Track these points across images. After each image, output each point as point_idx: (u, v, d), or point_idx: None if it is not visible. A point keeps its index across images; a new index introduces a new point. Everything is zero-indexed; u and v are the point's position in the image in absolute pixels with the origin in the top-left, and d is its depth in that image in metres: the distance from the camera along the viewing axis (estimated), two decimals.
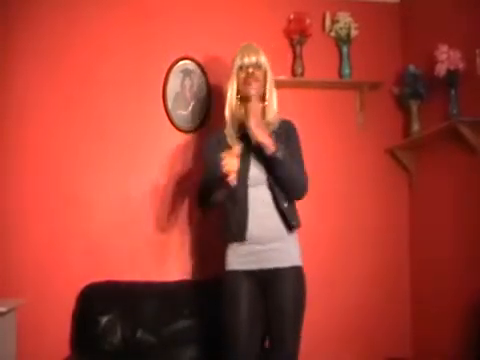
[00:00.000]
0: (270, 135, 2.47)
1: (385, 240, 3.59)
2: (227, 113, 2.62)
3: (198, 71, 3.45)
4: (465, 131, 2.91)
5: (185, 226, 3.37)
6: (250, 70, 2.55)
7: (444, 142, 3.20)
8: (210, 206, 2.57)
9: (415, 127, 3.40)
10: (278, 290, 2.47)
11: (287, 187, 2.51)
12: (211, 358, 3.02)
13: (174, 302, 3.12)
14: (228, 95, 2.62)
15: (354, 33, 3.54)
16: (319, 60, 3.57)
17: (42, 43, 3.30)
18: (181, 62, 3.44)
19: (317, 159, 3.55)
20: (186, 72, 3.45)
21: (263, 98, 2.60)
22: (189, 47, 3.44)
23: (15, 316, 2.99)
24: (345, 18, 3.54)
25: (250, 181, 2.50)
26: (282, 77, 3.47)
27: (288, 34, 3.55)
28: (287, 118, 2.70)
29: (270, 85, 2.61)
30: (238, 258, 2.52)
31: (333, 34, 3.57)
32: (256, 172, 2.51)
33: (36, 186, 3.23)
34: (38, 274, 3.15)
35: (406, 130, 3.55)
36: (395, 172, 3.64)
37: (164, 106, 3.41)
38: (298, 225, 2.58)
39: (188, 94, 3.46)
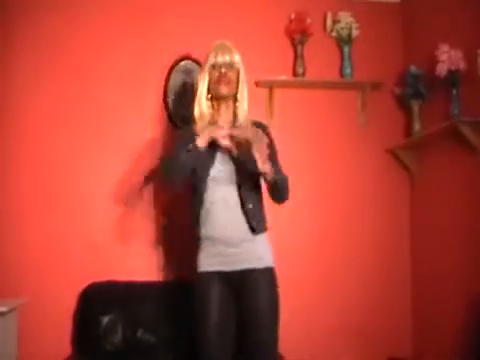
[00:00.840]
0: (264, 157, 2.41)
1: (386, 240, 3.59)
2: (196, 111, 2.58)
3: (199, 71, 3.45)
4: (466, 131, 2.91)
5: (186, 226, 3.36)
6: (223, 70, 2.51)
7: (445, 142, 3.20)
8: (174, 179, 2.48)
9: (416, 127, 3.39)
10: (251, 293, 2.43)
11: (278, 197, 2.52)
12: None
13: (175, 302, 3.12)
14: (198, 93, 2.57)
15: (355, 33, 3.53)
16: (320, 60, 3.57)
17: (42, 42, 3.30)
18: (182, 62, 3.43)
19: (318, 159, 3.55)
20: (187, 72, 3.44)
21: (235, 98, 2.57)
22: (190, 47, 3.44)
23: (16, 316, 2.99)
24: (346, 18, 3.53)
25: (214, 178, 2.46)
26: (283, 77, 3.48)
27: (289, 34, 3.54)
28: (257, 119, 2.65)
29: (242, 85, 2.58)
30: (208, 259, 2.49)
31: (334, 34, 3.57)
32: (220, 169, 2.47)
33: (35, 185, 3.23)
34: (39, 274, 3.16)
35: (407, 130, 3.55)
36: (396, 172, 3.64)
37: (165, 106, 3.41)
38: (262, 229, 2.51)
39: (189, 94, 3.45)
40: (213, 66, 2.54)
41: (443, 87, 3.06)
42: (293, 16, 3.51)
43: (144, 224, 3.32)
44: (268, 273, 2.49)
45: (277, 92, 3.49)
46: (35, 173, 3.24)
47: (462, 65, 2.92)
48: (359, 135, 3.61)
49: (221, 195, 2.47)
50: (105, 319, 3.01)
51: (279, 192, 2.51)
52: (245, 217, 2.46)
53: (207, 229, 2.49)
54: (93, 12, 3.37)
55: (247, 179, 2.48)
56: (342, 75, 3.59)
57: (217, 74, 2.52)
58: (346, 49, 3.57)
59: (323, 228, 3.51)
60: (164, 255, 3.32)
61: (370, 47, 3.64)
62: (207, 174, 2.47)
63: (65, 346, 3.13)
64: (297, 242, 3.44)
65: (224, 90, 2.52)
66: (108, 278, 3.16)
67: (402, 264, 3.59)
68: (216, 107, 2.59)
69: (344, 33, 3.53)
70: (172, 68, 3.42)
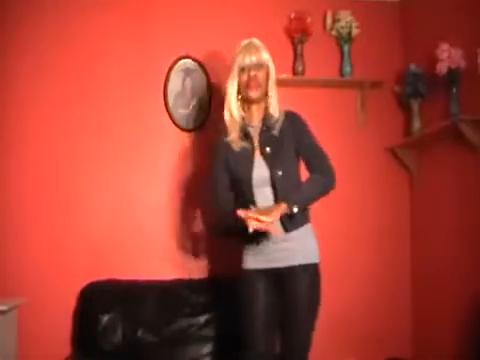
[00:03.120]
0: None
1: (386, 239, 3.59)
2: (227, 116, 2.58)
3: (199, 70, 3.45)
4: (466, 130, 2.90)
5: (186, 225, 3.36)
6: (252, 73, 2.50)
7: (445, 141, 3.20)
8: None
9: (416, 126, 3.39)
10: (291, 289, 2.46)
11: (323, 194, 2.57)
12: (212, 357, 3.03)
13: (175, 301, 3.12)
14: (227, 96, 2.57)
15: (355, 32, 3.53)
16: (320, 59, 3.57)
17: (42, 43, 3.29)
18: (182, 61, 3.43)
19: None
20: (187, 71, 3.44)
21: (266, 97, 2.58)
22: (190, 46, 3.44)
23: (16, 315, 2.99)
24: (346, 17, 3.53)
25: (254, 182, 2.48)
26: (283, 76, 3.47)
27: (289, 33, 3.54)
28: (289, 109, 2.65)
29: (272, 82, 2.58)
30: (251, 257, 2.53)
31: (334, 33, 3.56)
32: (259, 173, 2.49)
33: (36, 185, 3.23)
34: (39, 273, 3.15)
35: (407, 129, 3.54)
36: (396, 171, 3.64)
37: (165, 105, 3.41)
38: (296, 226, 2.51)
39: (189, 93, 3.45)
40: (242, 68, 2.52)
41: (443, 86, 3.06)
42: (293, 15, 3.51)
43: (144, 224, 3.32)
44: (311, 270, 2.51)
45: (277, 91, 3.49)
46: (35, 173, 3.24)
47: (462, 64, 2.92)
48: (359, 134, 3.61)
49: (260, 195, 2.48)
50: (105, 318, 3.01)
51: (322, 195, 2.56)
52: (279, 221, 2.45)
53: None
54: (93, 13, 3.36)
55: (282, 180, 2.48)
56: (342, 74, 3.59)
57: (246, 77, 2.52)
58: (346, 48, 3.56)
59: (322, 227, 3.49)
60: (165, 255, 3.31)
61: (370, 46, 3.63)
62: (250, 178, 2.48)
63: (65, 345, 3.13)
64: None
65: (254, 94, 2.53)
66: (108, 277, 3.16)
67: (402, 263, 3.59)
68: (247, 108, 2.59)
69: (344, 32, 3.53)
70: (172, 67, 3.42)
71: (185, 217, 3.37)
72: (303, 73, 3.52)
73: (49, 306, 3.12)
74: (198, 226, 3.37)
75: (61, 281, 3.16)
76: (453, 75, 2.95)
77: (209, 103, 3.44)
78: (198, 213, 3.36)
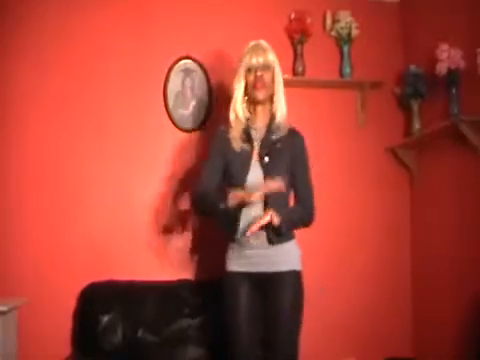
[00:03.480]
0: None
1: (386, 239, 3.59)
2: (232, 116, 2.60)
3: (199, 70, 3.45)
4: (466, 130, 2.91)
5: (186, 225, 3.36)
6: (258, 73, 2.51)
7: (445, 141, 3.20)
8: (203, 215, 2.66)
9: (416, 126, 3.39)
10: (275, 295, 2.46)
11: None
12: (212, 358, 3.03)
13: (175, 302, 3.12)
14: (234, 96, 2.58)
15: (355, 32, 3.53)
16: (320, 59, 3.57)
17: (42, 44, 3.29)
18: (182, 61, 3.43)
19: (318, 158, 3.52)
20: (187, 71, 3.44)
21: (271, 99, 2.58)
22: (190, 46, 3.44)
23: (16, 315, 2.99)
24: (346, 17, 3.53)
25: (247, 184, 2.48)
26: (283, 76, 3.46)
27: (289, 33, 3.54)
28: (295, 127, 2.67)
29: (278, 84, 2.58)
30: (236, 259, 2.54)
31: (334, 33, 3.57)
32: (253, 178, 2.49)
33: (36, 185, 3.23)
34: (39, 273, 3.15)
35: (407, 129, 3.55)
36: (396, 171, 3.64)
37: (165, 105, 3.41)
38: (281, 240, 2.51)
39: (189, 93, 3.45)
40: (248, 69, 2.54)
41: (443, 86, 3.06)
42: (293, 16, 3.52)
43: (144, 224, 3.32)
44: (294, 277, 2.51)
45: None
46: (36, 173, 3.24)
47: (462, 64, 2.92)
48: (359, 134, 3.62)
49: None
50: (105, 319, 3.01)
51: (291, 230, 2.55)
52: (265, 228, 2.46)
53: (233, 230, 2.51)
54: (93, 11, 3.36)
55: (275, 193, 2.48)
56: (342, 74, 3.59)
57: (252, 78, 2.52)
58: (346, 48, 3.57)
59: (322, 227, 3.50)
60: (164, 255, 3.32)
61: (370, 46, 3.64)
62: (244, 180, 2.49)
63: (65, 345, 3.12)
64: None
65: (261, 95, 2.54)
66: (108, 278, 3.16)
67: (402, 263, 3.59)
68: (252, 110, 2.60)
69: (344, 32, 3.53)
70: (172, 68, 3.42)
71: (185, 218, 3.37)
72: (303, 74, 3.52)
73: (49, 306, 3.12)
74: (199, 227, 3.37)
75: (61, 281, 3.16)
76: (453, 75, 2.95)
77: (209, 103, 3.45)
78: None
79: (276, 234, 2.46)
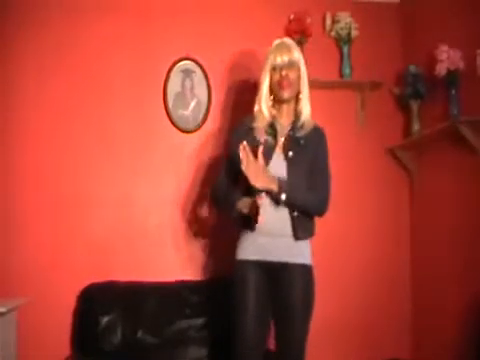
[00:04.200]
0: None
1: (386, 240, 3.59)
2: (256, 108, 2.59)
3: (198, 71, 3.45)
4: (465, 131, 2.91)
5: (186, 225, 3.37)
6: (283, 73, 2.52)
7: (444, 142, 3.20)
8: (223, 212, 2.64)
9: (415, 127, 3.40)
10: (286, 287, 2.47)
11: (302, 213, 2.53)
12: (212, 358, 3.03)
13: (175, 302, 3.12)
14: (259, 93, 2.58)
15: (354, 33, 3.53)
16: (320, 60, 3.56)
17: (43, 44, 3.29)
18: (181, 62, 3.43)
19: None
20: (186, 72, 3.45)
21: (297, 97, 2.59)
22: (190, 47, 3.44)
23: (16, 316, 2.99)
24: (345, 18, 3.53)
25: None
26: None
27: (288, 34, 3.53)
28: (319, 125, 2.68)
29: (304, 83, 2.59)
30: (247, 248, 2.52)
31: (334, 34, 3.57)
32: (274, 170, 2.47)
33: (37, 186, 3.23)
34: (39, 274, 3.15)
35: (406, 130, 3.55)
36: (396, 172, 3.64)
37: (165, 106, 3.41)
38: (306, 237, 2.54)
39: (188, 94, 3.45)
40: (273, 68, 2.54)
41: (442, 87, 3.06)
42: (292, 16, 3.51)
43: (144, 225, 3.32)
44: (306, 271, 2.52)
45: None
46: (36, 173, 3.24)
47: (461, 65, 2.92)
48: (358, 135, 3.62)
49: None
50: (105, 319, 3.01)
51: (300, 210, 2.52)
52: (291, 224, 2.48)
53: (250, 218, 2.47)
54: (94, 15, 3.36)
55: (297, 183, 2.49)
56: (341, 75, 3.60)
57: (278, 77, 2.53)
58: (345, 49, 3.57)
59: (322, 227, 3.50)
60: (164, 255, 3.32)
61: (369, 47, 3.64)
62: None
63: (65, 346, 3.13)
64: None
65: (286, 94, 2.54)
66: (108, 278, 3.16)
67: (402, 264, 3.59)
68: (278, 108, 2.60)
69: (343, 33, 3.53)
70: (171, 69, 3.42)
71: (185, 218, 3.37)
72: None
73: (49, 307, 3.12)
74: (198, 226, 3.37)
75: (61, 282, 3.16)
76: (452, 76, 2.95)
77: (208, 104, 3.45)
78: (198, 214, 3.36)
79: (303, 222, 2.48)
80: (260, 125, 2.56)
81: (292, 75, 2.54)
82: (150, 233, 3.32)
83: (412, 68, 3.36)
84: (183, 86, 3.45)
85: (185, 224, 3.37)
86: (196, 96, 3.45)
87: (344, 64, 3.57)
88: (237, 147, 2.40)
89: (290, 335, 2.46)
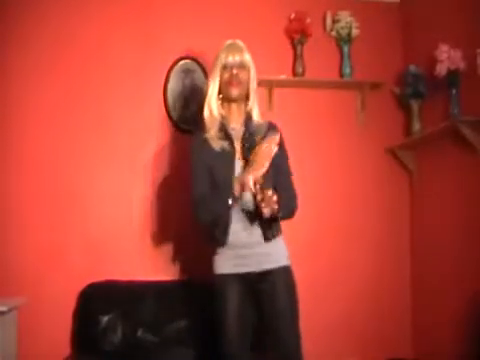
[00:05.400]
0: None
1: (386, 240, 3.59)
2: (206, 113, 2.56)
3: (199, 70, 3.45)
4: (466, 131, 2.91)
5: (185, 225, 3.36)
6: (234, 71, 2.49)
7: (445, 142, 3.20)
8: (207, 222, 2.52)
9: (416, 127, 3.39)
10: (270, 292, 2.45)
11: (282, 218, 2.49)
12: (211, 357, 3.03)
13: (174, 301, 3.12)
14: (208, 93, 2.56)
15: (355, 32, 3.53)
16: (320, 60, 3.57)
17: (41, 43, 3.29)
18: (182, 62, 3.43)
19: (318, 159, 3.55)
20: (187, 71, 3.45)
21: (246, 98, 2.56)
22: (190, 46, 3.44)
23: (15, 315, 2.99)
24: (346, 17, 3.53)
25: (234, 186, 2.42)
26: (283, 77, 3.48)
27: (289, 33, 3.54)
28: (267, 119, 2.62)
29: (253, 85, 2.56)
30: (225, 261, 2.49)
31: (334, 34, 3.57)
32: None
33: (36, 186, 3.23)
34: (38, 274, 3.15)
35: (407, 130, 3.55)
36: (396, 172, 3.64)
37: (165, 105, 3.41)
38: (276, 235, 2.51)
39: (189, 93, 3.45)
40: (224, 66, 2.52)
41: (443, 87, 3.06)
42: (293, 16, 3.51)
43: (144, 224, 3.32)
44: (285, 273, 2.50)
45: (277, 91, 3.49)
46: (35, 173, 3.24)
47: (461, 65, 2.92)
48: (359, 135, 3.62)
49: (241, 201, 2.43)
50: (105, 319, 3.01)
51: (285, 218, 2.50)
52: (261, 229, 2.46)
53: (222, 234, 2.46)
54: (93, 13, 3.36)
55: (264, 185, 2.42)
56: (342, 75, 3.59)
57: (228, 75, 2.51)
58: (346, 49, 3.57)
59: (322, 227, 3.51)
60: (164, 255, 3.32)
61: (370, 47, 3.64)
62: (230, 181, 2.40)
63: (64, 346, 3.13)
64: (296, 242, 3.42)
65: (235, 92, 2.51)
66: (108, 278, 3.16)
67: (402, 264, 3.59)
68: (227, 108, 2.57)
69: (344, 33, 3.53)
70: (172, 68, 3.42)
71: (185, 218, 3.37)
72: (303, 74, 3.52)
73: (49, 306, 3.12)
74: (198, 227, 3.36)
75: (61, 282, 3.16)
76: (452, 76, 2.95)
77: None
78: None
79: (270, 225, 2.44)
80: (213, 133, 2.51)
81: (242, 75, 2.51)
82: (150, 233, 3.32)
83: (412, 68, 3.35)
84: (183, 85, 3.44)
85: (185, 223, 3.36)
86: (196, 95, 3.44)
87: (344, 64, 3.57)
88: (199, 161, 2.48)
89: (285, 341, 2.44)
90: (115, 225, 3.29)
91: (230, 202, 2.37)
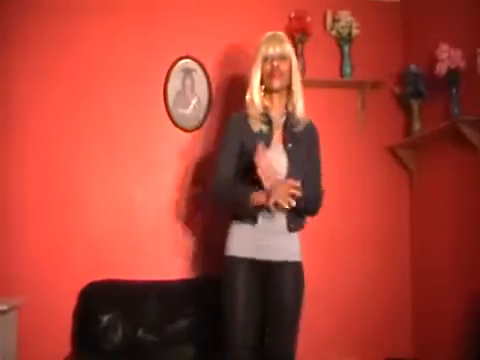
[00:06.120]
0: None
1: (386, 239, 3.59)
2: (248, 98, 2.58)
3: (199, 70, 3.45)
4: (466, 130, 2.91)
5: (186, 224, 3.37)
6: (275, 63, 2.51)
7: (445, 141, 3.20)
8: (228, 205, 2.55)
9: (416, 126, 3.40)
10: (279, 283, 2.47)
11: (309, 213, 2.58)
12: (212, 357, 3.03)
13: (175, 301, 3.12)
14: (251, 84, 2.57)
15: (355, 32, 3.53)
16: (320, 59, 3.57)
17: (43, 43, 3.29)
18: (182, 61, 3.43)
19: None
20: (187, 71, 3.44)
21: (288, 89, 2.59)
22: (190, 46, 3.44)
23: (16, 315, 2.99)
24: (346, 17, 3.53)
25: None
26: None
27: (289, 33, 3.52)
28: (311, 119, 2.67)
29: (295, 76, 2.58)
30: (240, 244, 2.50)
31: (334, 33, 3.57)
32: (275, 159, 2.45)
33: (37, 185, 3.23)
34: (39, 273, 3.15)
35: (407, 129, 3.55)
36: (396, 171, 3.64)
37: (165, 105, 3.41)
38: (298, 228, 2.55)
39: (189, 93, 3.45)
40: (265, 58, 2.54)
41: (443, 86, 3.06)
42: (293, 15, 3.51)
43: (144, 224, 3.32)
44: (298, 268, 2.53)
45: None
46: (36, 172, 3.24)
47: (462, 64, 2.92)
48: (359, 134, 3.62)
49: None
50: (105, 318, 3.01)
51: (307, 209, 2.54)
52: (286, 219, 2.49)
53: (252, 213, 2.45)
54: (93, 14, 3.36)
55: (297, 175, 2.46)
56: (342, 74, 3.59)
57: (269, 67, 2.53)
58: (346, 48, 3.57)
59: (322, 227, 3.50)
60: (165, 255, 3.32)
61: (370, 46, 3.64)
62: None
63: (65, 345, 3.12)
64: None
65: (276, 84, 2.53)
66: (108, 277, 3.16)
67: (402, 263, 3.59)
68: (269, 99, 2.60)
69: (344, 32, 3.53)
70: (172, 67, 3.42)
71: (185, 217, 3.37)
72: (303, 73, 3.52)
73: (49, 306, 3.12)
74: (199, 226, 3.37)
75: (61, 281, 3.16)
76: (453, 75, 2.95)
77: (209, 103, 3.44)
78: (198, 213, 3.36)
79: (296, 217, 2.48)
80: (254, 115, 2.55)
81: (283, 66, 2.53)
82: (150, 232, 3.32)
83: (413, 67, 3.35)
84: (183, 85, 3.44)
85: (185, 223, 3.36)
86: (196, 95, 3.45)
87: (345, 63, 3.57)
88: (234, 139, 2.51)
89: (283, 330, 2.46)
90: (116, 225, 3.28)
91: (248, 206, 2.39)
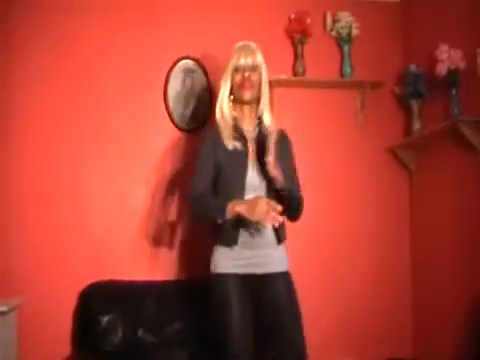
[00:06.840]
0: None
1: (386, 239, 3.59)
2: (218, 115, 2.55)
3: (199, 70, 3.45)
4: (466, 131, 2.91)
5: (186, 225, 3.37)
6: (246, 74, 2.48)
7: (445, 141, 3.20)
8: (201, 220, 2.57)
9: (416, 126, 3.40)
10: (272, 294, 2.45)
11: (292, 214, 2.53)
12: (212, 358, 3.02)
13: (175, 302, 3.12)
14: (220, 94, 2.55)
15: (355, 32, 3.53)
16: (320, 59, 3.57)
17: (43, 43, 3.30)
18: (182, 61, 3.43)
19: (318, 158, 3.55)
20: (187, 71, 3.45)
21: (258, 100, 2.55)
22: (190, 46, 3.44)
23: (16, 315, 3.00)
24: (346, 17, 3.53)
25: (247, 186, 2.43)
26: (283, 76, 3.47)
27: (289, 33, 3.54)
28: (283, 128, 2.64)
29: (265, 87, 2.55)
30: (227, 261, 2.45)
31: (334, 33, 3.57)
32: (253, 178, 2.45)
33: (37, 185, 3.23)
34: (39, 274, 3.15)
35: (407, 129, 3.55)
36: (396, 171, 3.64)
37: (165, 105, 3.41)
38: (284, 238, 2.54)
39: (189, 93, 3.45)
40: (236, 69, 2.51)
41: (443, 86, 3.06)
42: (293, 16, 3.52)
43: (144, 224, 3.32)
44: (286, 278, 2.51)
45: (277, 91, 3.48)
46: (36, 173, 3.24)
47: (462, 64, 2.92)
48: (359, 134, 3.62)
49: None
50: (105, 319, 3.01)
51: (291, 205, 2.48)
52: (273, 231, 2.46)
53: (233, 233, 2.43)
54: (93, 15, 3.36)
55: (274, 190, 2.44)
56: (342, 74, 3.60)
57: (240, 78, 2.50)
58: (346, 48, 3.57)
59: (322, 227, 3.51)
60: (164, 255, 3.32)
61: (370, 46, 3.64)
62: (244, 182, 2.42)
63: (65, 346, 3.13)
64: (296, 242, 3.42)
65: (247, 95, 2.50)
66: (108, 278, 3.16)
67: (402, 263, 3.60)
68: (239, 110, 2.56)
69: (344, 32, 3.53)
70: (172, 68, 3.42)
71: (185, 218, 3.37)
72: (303, 74, 3.52)
73: (49, 306, 3.12)
74: (199, 227, 3.37)
75: (61, 281, 3.16)
76: (453, 76, 2.95)
77: (209, 103, 3.44)
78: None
79: (280, 227, 2.44)
80: (226, 132, 2.50)
81: (254, 77, 2.50)
82: (150, 233, 3.32)
83: (413, 67, 3.35)
84: (183, 85, 3.44)
85: (185, 223, 3.36)
86: (196, 95, 3.45)
87: (345, 63, 3.57)
88: (209, 156, 2.47)
89: (291, 335, 2.42)
90: (116, 225, 3.28)
91: (219, 221, 2.35)
